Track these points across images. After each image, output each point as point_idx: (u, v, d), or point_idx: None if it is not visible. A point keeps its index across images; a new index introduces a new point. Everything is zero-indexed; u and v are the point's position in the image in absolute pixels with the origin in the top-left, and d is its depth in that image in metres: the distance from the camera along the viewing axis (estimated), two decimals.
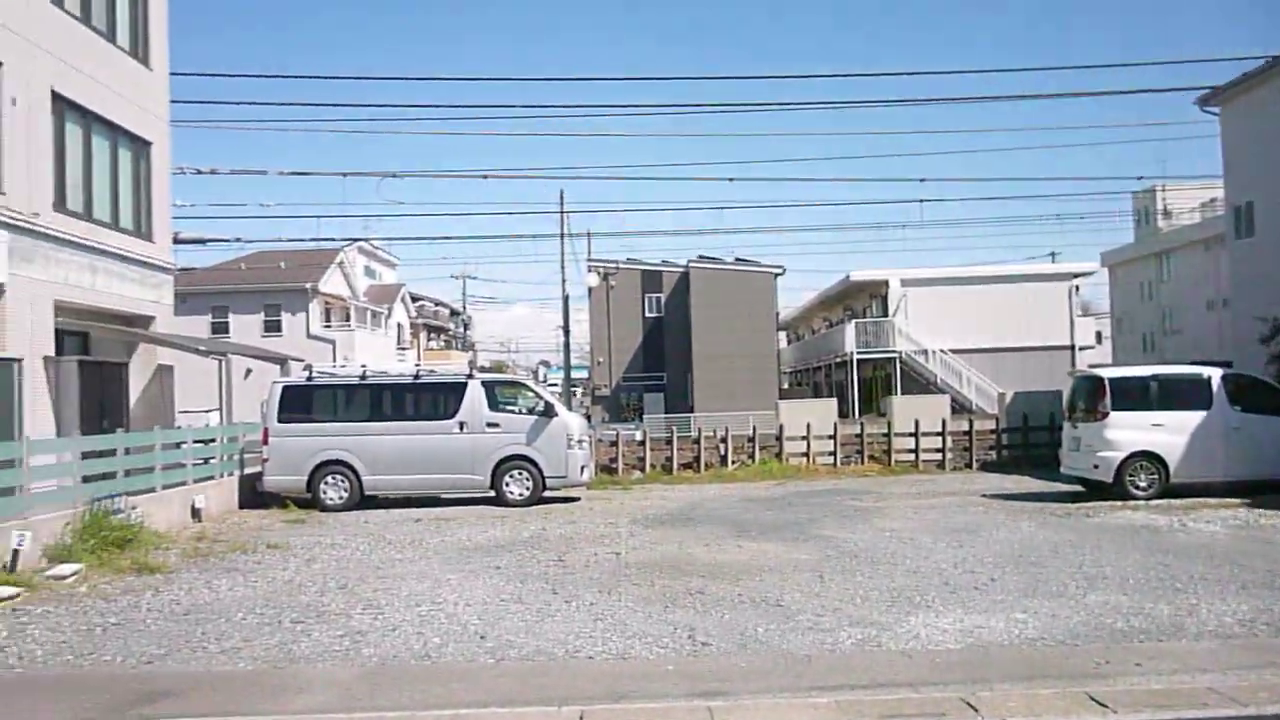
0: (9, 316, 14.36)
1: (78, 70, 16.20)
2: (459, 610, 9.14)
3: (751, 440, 23.79)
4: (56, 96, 15.67)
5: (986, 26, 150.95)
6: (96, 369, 16.48)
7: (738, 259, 42.80)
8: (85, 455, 13.47)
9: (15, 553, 10.96)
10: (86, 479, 13.21)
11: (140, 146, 18.53)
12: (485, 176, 58.36)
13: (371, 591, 10.12)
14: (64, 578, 10.87)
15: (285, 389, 18.33)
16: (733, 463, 23.31)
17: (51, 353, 15.46)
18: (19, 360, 13.97)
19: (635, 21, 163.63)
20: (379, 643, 7.99)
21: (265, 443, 18.05)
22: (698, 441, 23.64)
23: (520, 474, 17.87)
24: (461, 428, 17.88)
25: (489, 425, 17.90)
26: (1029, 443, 23.49)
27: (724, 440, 23.63)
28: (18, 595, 9.98)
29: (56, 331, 15.72)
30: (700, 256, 42.62)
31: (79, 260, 16.24)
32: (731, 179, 76.62)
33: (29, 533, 11.21)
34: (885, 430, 23.93)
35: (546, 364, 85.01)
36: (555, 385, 49.91)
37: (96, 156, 17.11)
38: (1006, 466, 22.99)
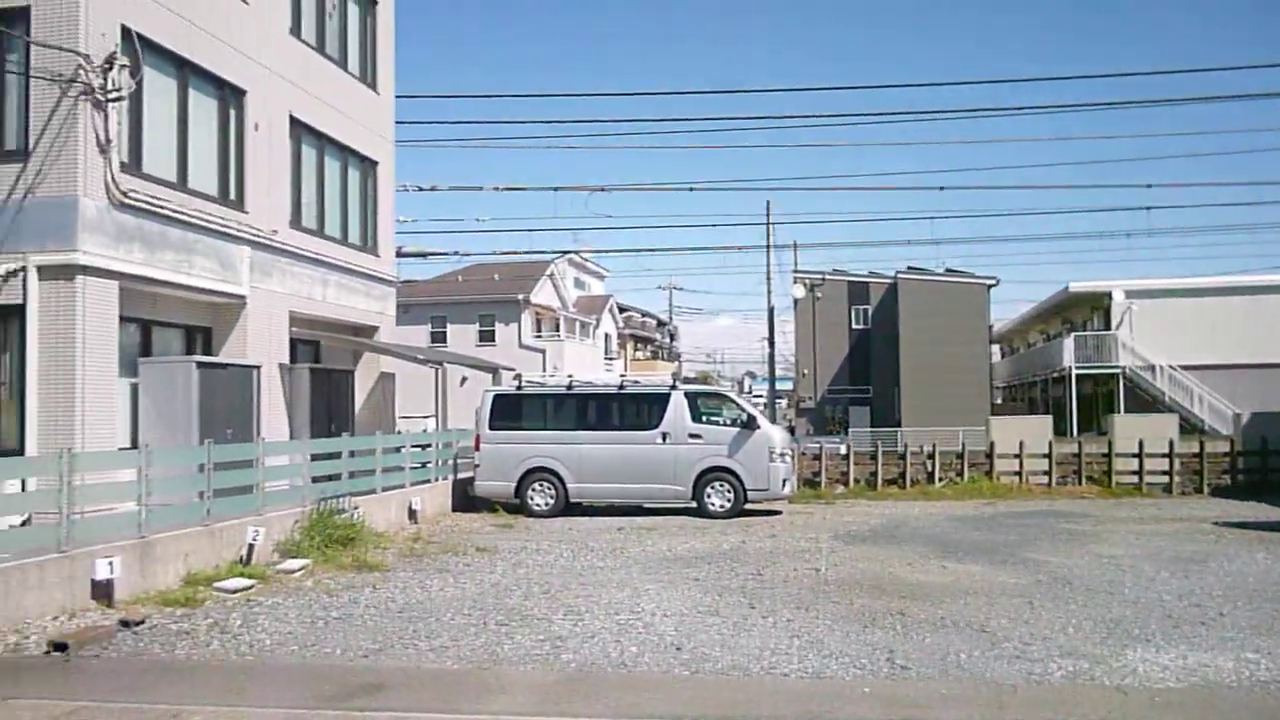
0: (250, 326, 15.50)
1: (313, 96, 17.35)
2: (656, 620, 9.24)
3: (960, 457, 23.07)
4: (294, 121, 16.83)
5: (1210, 22, 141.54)
6: (326, 376, 17.56)
7: (948, 270, 41.63)
8: (314, 457, 14.34)
9: (251, 547, 11.84)
10: (315, 479, 14.07)
11: (368, 166, 19.67)
12: (692, 189, 59.04)
13: (573, 598, 10.37)
14: (292, 572, 11.65)
15: (496, 397, 18.98)
16: (940, 480, 22.64)
17: (286, 360, 16.57)
18: (258, 367, 15.05)
19: (829, 25, 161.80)
20: (578, 649, 8.17)
21: (477, 449, 18.75)
22: (904, 457, 23.07)
23: (721, 486, 17.89)
24: (664, 438, 18.05)
25: (691, 436, 18.01)
26: (1268, 468, 21.89)
27: (931, 456, 22.99)
28: (252, 586, 10.74)
29: (290, 340, 16.85)
30: (909, 267, 41.68)
31: (312, 274, 17.36)
32: (943, 188, 74.75)
33: (263, 528, 12.09)
34: (1105, 450, 22.72)
35: (752, 375, 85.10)
36: (760, 397, 49.74)
37: (328, 176, 18.29)
38: (1242, 493, 21.42)
